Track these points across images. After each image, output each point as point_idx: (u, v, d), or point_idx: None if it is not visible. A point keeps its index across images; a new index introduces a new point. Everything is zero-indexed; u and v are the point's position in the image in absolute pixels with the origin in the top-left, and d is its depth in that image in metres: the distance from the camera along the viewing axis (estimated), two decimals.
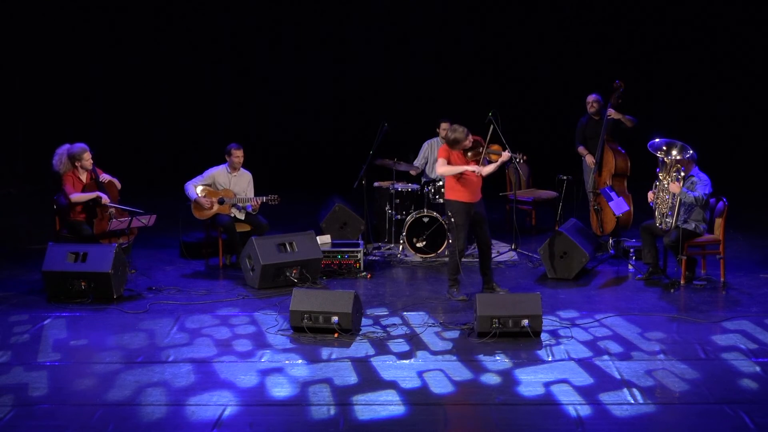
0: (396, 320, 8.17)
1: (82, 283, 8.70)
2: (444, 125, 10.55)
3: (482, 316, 7.57)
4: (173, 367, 7.05)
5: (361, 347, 7.46)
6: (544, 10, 14.97)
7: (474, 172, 8.62)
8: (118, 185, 9.84)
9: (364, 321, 8.06)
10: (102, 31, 14.99)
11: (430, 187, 10.67)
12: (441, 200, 10.52)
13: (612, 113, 10.58)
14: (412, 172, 11.08)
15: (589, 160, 10.83)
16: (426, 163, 11.07)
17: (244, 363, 7.13)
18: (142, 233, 10.22)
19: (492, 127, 8.84)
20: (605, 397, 6.42)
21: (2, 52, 14.27)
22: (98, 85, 15.40)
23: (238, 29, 15.35)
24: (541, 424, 6.08)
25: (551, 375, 6.84)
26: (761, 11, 14.52)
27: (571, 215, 10.65)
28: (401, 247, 10.53)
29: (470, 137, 8.67)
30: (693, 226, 9.17)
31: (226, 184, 10.09)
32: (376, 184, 11.04)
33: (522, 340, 7.54)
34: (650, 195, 9.36)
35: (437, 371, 6.93)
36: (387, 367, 7.03)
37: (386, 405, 6.33)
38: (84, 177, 9.67)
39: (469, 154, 8.71)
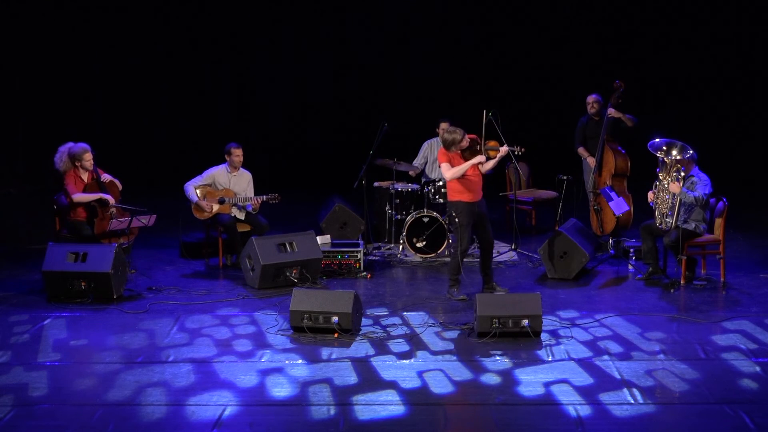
0: (396, 320, 8.17)
1: (82, 283, 8.70)
2: (444, 125, 10.54)
3: (482, 316, 7.57)
4: (173, 367, 7.05)
5: (361, 347, 7.46)
6: (544, 10, 14.97)
7: (479, 163, 8.65)
8: (119, 186, 9.84)
9: (364, 321, 8.06)
10: (102, 31, 14.98)
11: (430, 187, 10.67)
12: (441, 200, 10.52)
13: (612, 112, 10.58)
14: (412, 173, 11.08)
15: (590, 161, 10.83)
16: (426, 163, 11.07)
17: (244, 363, 7.13)
18: (142, 233, 10.22)
19: (486, 123, 8.87)
20: (605, 397, 6.42)
21: (2, 52, 14.26)
22: (98, 85, 15.40)
23: (238, 29, 15.34)
24: (541, 424, 6.07)
25: (551, 375, 6.84)
26: (761, 11, 14.52)
27: (571, 215, 10.65)
28: (401, 247, 10.53)
29: (467, 137, 8.70)
30: (693, 226, 9.17)
31: (225, 184, 10.10)
32: (376, 184, 11.04)
33: (522, 340, 7.54)
34: (650, 195, 9.37)
35: (437, 371, 6.93)
36: (387, 367, 7.03)
37: (386, 405, 6.33)
38: (85, 177, 9.68)
39: (467, 154, 8.73)
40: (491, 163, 8.82)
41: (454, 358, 7.22)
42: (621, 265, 10.05)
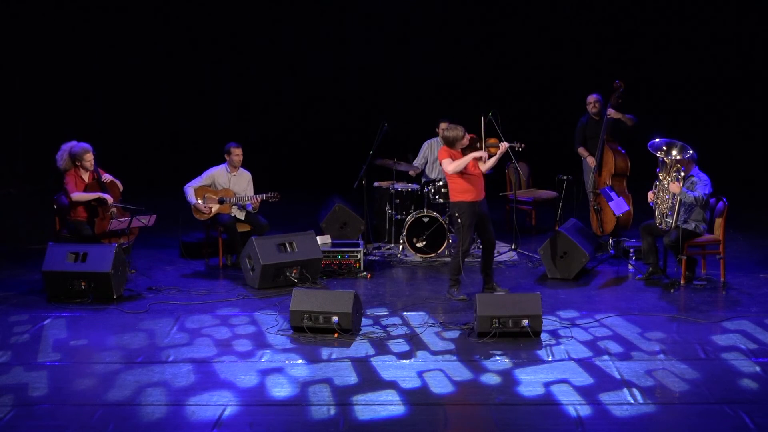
0: (396, 320, 8.17)
1: (82, 283, 8.70)
2: (443, 125, 10.54)
3: (482, 316, 7.57)
4: (173, 367, 7.05)
5: (361, 347, 7.46)
6: (544, 10, 14.97)
7: (480, 158, 8.65)
8: (120, 186, 9.85)
9: (364, 321, 8.06)
10: (102, 31, 14.98)
11: (430, 187, 10.67)
12: (441, 200, 10.52)
13: (612, 113, 10.58)
14: (412, 173, 11.08)
15: (590, 161, 10.83)
16: (426, 163, 11.07)
17: (244, 363, 7.13)
18: (142, 233, 10.22)
19: (486, 123, 8.88)
20: (605, 397, 6.41)
21: (2, 52, 14.27)
22: (98, 85, 15.40)
23: (238, 29, 15.35)
24: (541, 424, 6.07)
25: (551, 375, 6.84)
26: (761, 11, 14.52)
27: (571, 215, 10.65)
28: (401, 247, 10.53)
29: (467, 135, 8.71)
30: (693, 226, 9.17)
31: (225, 184, 10.09)
32: (376, 184, 11.04)
33: (522, 340, 7.54)
34: (650, 195, 9.37)
35: (437, 371, 6.93)
36: (387, 367, 7.03)
37: (386, 405, 6.33)
38: (86, 177, 9.68)
39: (468, 152, 8.73)
40: (492, 161, 8.83)
41: (454, 358, 7.22)
42: (621, 265, 10.05)
